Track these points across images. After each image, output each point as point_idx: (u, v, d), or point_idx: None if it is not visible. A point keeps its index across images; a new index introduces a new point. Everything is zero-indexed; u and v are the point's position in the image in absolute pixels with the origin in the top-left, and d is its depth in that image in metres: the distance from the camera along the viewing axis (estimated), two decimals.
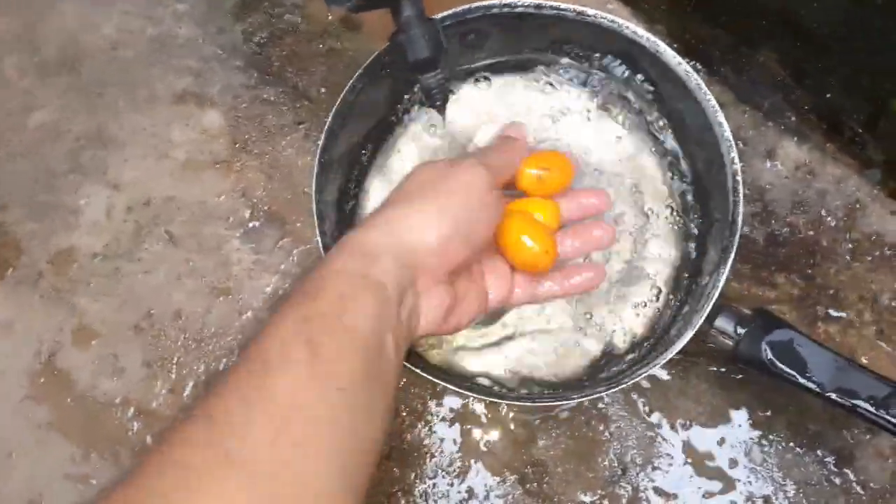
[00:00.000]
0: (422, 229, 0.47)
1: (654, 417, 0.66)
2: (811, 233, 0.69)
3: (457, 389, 0.57)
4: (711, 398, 0.66)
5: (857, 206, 0.69)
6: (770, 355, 0.54)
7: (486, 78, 0.70)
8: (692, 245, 0.65)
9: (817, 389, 0.53)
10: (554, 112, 0.69)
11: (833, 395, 0.53)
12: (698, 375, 0.67)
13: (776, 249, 0.69)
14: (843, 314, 0.67)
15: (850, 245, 0.69)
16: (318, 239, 0.62)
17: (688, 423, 0.66)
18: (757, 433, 0.65)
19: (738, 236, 0.58)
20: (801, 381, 0.54)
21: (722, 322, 0.57)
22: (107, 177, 0.76)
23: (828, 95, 0.67)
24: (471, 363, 0.63)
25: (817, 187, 0.70)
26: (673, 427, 0.66)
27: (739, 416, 0.66)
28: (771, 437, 0.65)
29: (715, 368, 0.67)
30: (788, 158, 0.71)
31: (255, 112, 0.77)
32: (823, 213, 0.70)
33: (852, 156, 0.70)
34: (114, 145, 0.77)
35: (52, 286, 0.72)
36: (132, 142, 0.77)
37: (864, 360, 0.65)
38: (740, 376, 0.66)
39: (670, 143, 0.67)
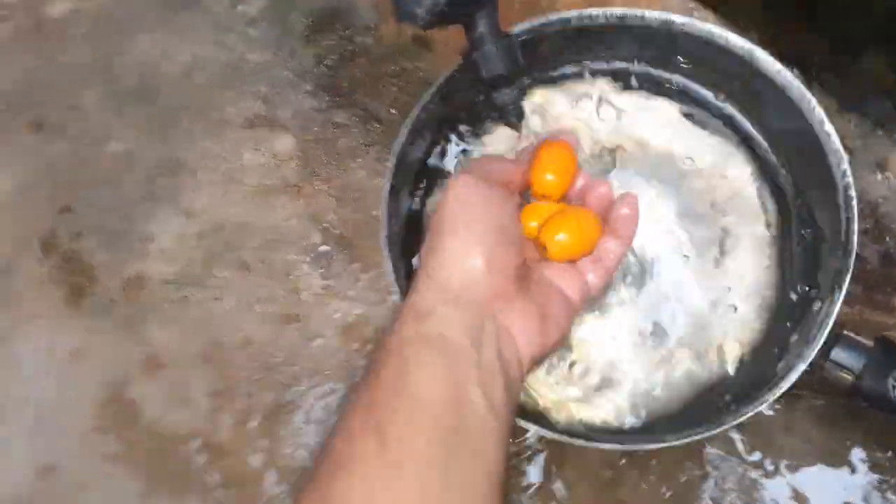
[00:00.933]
0: (454, 262, 0.43)
1: (756, 457, 0.60)
2: None
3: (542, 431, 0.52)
4: (820, 436, 0.59)
5: None
6: None
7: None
8: (795, 268, 0.57)
9: None
10: (636, 120, 0.64)
11: None
12: (804, 410, 0.60)
13: (892, 269, 0.62)
14: None
15: None
16: (390, 267, 0.58)
17: (795, 463, 0.59)
18: (876, 476, 0.58)
19: (853, 258, 0.51)
20: None
21: (839, 354, 0.50)
22: (179, 203, 0.75)
23: None
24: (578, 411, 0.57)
25: None
26: (778, 468, 0.59)
27: (854, 457, 0.58)
28: (893, 481, 0.57)
29: (823, 402, 0.60)
30: None
31: (326, 135, 0.75)
32: None
33: None
34: (186, 172, 0.75)
35: (124, 314, 0.71)
36: (204, 167, 0.75)
37: None
38: (852, 411, 0.58)
39: (767, 155, 0.60)
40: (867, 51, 0.60)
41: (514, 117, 0.56)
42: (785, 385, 0.50)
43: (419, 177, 0.64)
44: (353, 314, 0.68)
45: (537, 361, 0.45)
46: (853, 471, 0.58)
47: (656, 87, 0.64)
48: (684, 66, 0.63)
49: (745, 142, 0.61)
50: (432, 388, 0.38)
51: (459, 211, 0.44)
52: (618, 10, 0.60)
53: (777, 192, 0.60)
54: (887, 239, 0.62)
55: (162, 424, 0.67)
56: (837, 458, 0.58)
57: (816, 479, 0.58)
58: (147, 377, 0.68)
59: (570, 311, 0.47)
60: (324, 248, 0.71)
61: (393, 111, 0.74)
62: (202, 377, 0.68)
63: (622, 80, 0.64)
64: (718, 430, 0.50)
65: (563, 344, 0.49)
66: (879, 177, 0.64)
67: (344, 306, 0.69)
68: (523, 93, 0.55)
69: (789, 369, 0.51)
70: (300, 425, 0.66)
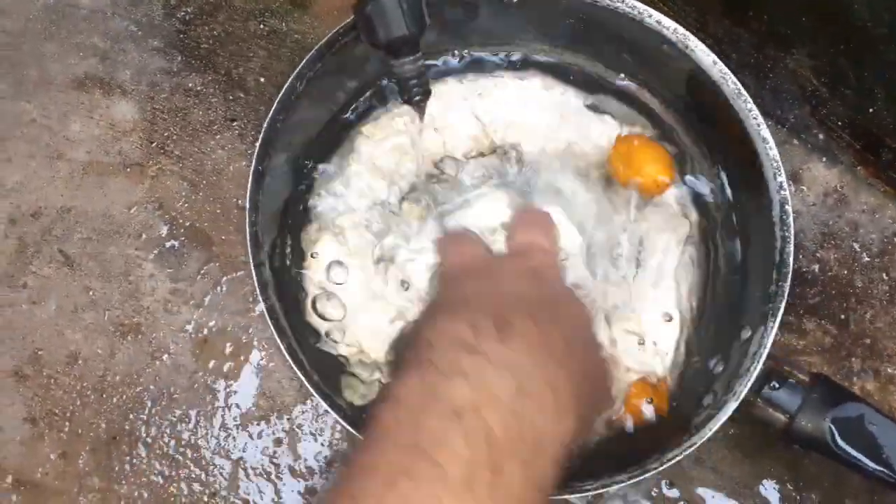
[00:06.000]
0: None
1: (667, 490, 0.55)
2: (844, 271, 0.59)
3: None
4: (733, 467, 0.57)
5: (895, 239, 0.59)
6: (836, 436, 0.43)
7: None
8: (720, 290, 0.53)
9: None
10: (550, 113, 0.58)
11: None
12: (717, 440, 0.56)
13: (804, 289, 0.59)
14: (882, 368, 0.57)
15: (886, 287, 0.59)
16: (253, 272, 0.50)
17: (707, 496, 0.56)
18: None
19: (788, 280, 0.47)
20: (876, 469, 0.42)
21: (772, 391, 0.46)
22: None
23: (870, 110, 0.56)
24: None
25: (849, 217, 0.61)
26: (690, 502, 0.55)
27: (767, 490, 0.56)
28: None
29: (735, 431, 0.56)
30: (816, 182, 0.61)
31: (178, 104, 0.64)
32: (857, 247, 0.60)
33: (888, 181, 0.61)
34: None
35: None
36: (17, 136, 0.63)
37: None
38: (765, 442, 0.56)
39: (695, 163, 0.55)
40: (796, 50, 0.56)
41: (418, 95, 0.47)
42: (715, 425, 0.46)
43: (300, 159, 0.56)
44: (209, 325, 0.59)
45: None
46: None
47: (563, 75, 0.58)
48: (604, 51, 0.56)
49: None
50: None
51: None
52: None
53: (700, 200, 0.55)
54: (800, 257, 0.60)
55: None
56: (750, 491, 0.56)
57: None
58: None
59: None
60: (172, 242, 0.61)
61: (261, 80, 0.63)
62: (15, 399, 0.58)
63: (526, 68, 0.57)
64: (643, 477, 0.45)
65: None
66: (793, 189, 0.61)
67: (197, 315, 0.59)
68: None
69: (718, 407, 0.46)
70: (142, 459, 0.56)
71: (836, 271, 0.60)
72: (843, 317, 0.59)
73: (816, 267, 0.60)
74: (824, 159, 0.61)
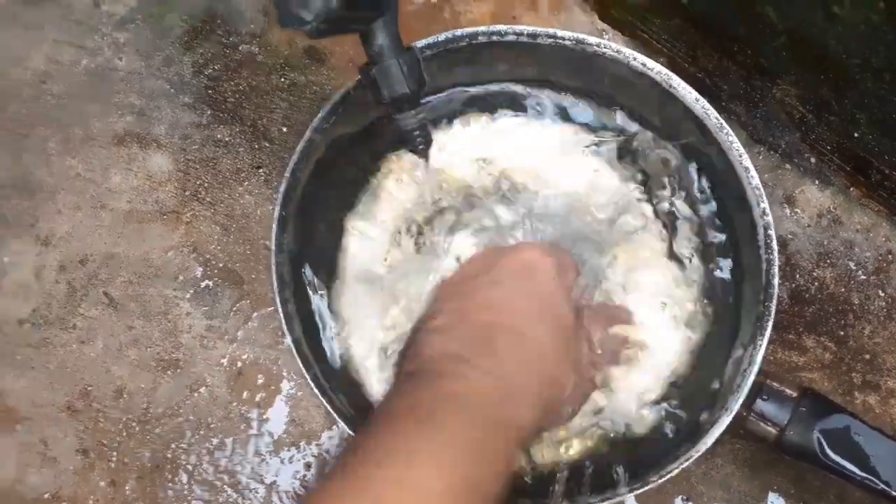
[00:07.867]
0: None
1: None
2: (841, 289, 0.62)
3: None
4: (740, 483, 0.60)
5: (890, 257, 0.62)
6: (825, 447, 0.46)
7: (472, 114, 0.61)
8: (717, 312, 0.56)
9: (884, 488, 0.45)
10: (547, 152, 0.60)
11: None
12: (724, 455, 0.60)
13: (803, 308, 0.62)
14: (883, 382, 0.59)
15: (883, 303, 0.61)
16: (279, 308, 0.53)
17: None
18: None
19: (774, 301, 0.51)
20: (864, 478, 0.45)
21: (763, 406, 0.48)
22: (35, 230, 0.67)
23: (855, 134, 0.59)
24: None
25: (844, 237, 0.63)
26: None
27: (773, 503, 0.57)
28: None
29: (742, 446, 0.59)
30: (810, 205, 0.64)
31: (208, 155, 0.69)
32: (853, 265, 0.62)
33: (880, 201, 0.63)
34: (43, 194, 0.68)
35: None
36: (65, 189, 0.68)
37: None
38: (771, 456, 0.58)
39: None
40: (780, 80, 0.60)
41: (421, 143, 0.51)
42: (710, 439, 0.49)
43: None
44: (242, 359, 0.64)
45: None
46: None
47: (560, 113, 0.61)
48: (596, 92, 0.60)
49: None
50: None
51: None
52: (529, 28, 0.57)
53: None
54: (797, 276, 0.62)
55: (21, 488, 0.61)
56: None
57: None
58: (1, 433, 0.61)
59: None
60: (206, 283, 0.65)
61: (284, 129, 0.68)
62: (68, 433, 0.63)
63: (522, 107, 0.61)
64: (643, 490, 0.48)
65: None
66: (788, 212, 0.64)
67: (231, 350, 0.64)
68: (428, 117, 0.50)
69: (713, 422, 0.49)
70: (183, 485, 0.60)
71: (834, 289, 0.62)
72: (841, 333, 0.62)
73: (815, 286, 0.62)
74: (817, 182, 0.64)
